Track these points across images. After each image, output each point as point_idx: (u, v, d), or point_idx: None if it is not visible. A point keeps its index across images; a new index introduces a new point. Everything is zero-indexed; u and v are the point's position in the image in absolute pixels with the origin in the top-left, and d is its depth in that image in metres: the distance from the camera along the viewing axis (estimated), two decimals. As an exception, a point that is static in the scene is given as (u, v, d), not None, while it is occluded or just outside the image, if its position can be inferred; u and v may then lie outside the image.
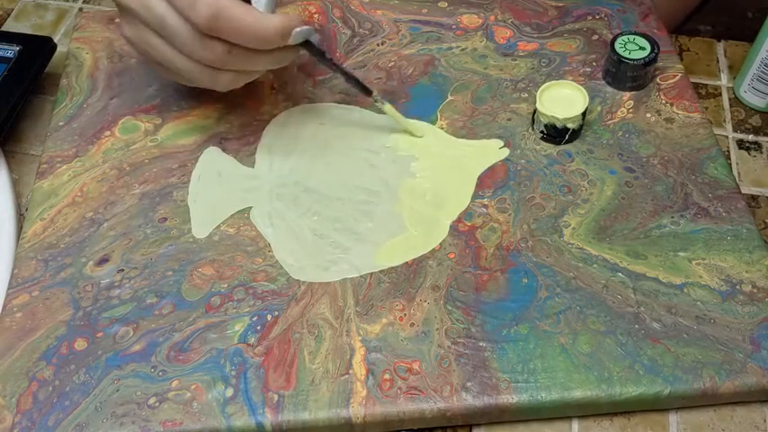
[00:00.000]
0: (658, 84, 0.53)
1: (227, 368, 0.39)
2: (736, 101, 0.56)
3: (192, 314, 0.41)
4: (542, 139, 0.49)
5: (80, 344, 0.40)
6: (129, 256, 0.43)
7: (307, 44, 0.44)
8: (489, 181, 0.47)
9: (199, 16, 0.38)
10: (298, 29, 0.41)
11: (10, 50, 0.51)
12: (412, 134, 0.49)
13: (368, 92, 0.47)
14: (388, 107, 0.47)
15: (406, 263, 0.43)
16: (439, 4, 0.58)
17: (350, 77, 0.46)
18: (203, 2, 0.38)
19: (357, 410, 0.38)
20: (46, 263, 0.43)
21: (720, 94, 0.56)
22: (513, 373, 0.39)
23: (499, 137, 0.49)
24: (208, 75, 0.42)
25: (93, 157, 0.48)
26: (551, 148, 0.49)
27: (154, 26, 0.40)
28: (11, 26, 0.58)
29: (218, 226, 0.45)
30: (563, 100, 0.48)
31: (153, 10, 0.40)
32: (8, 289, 0.42)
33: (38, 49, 0.52)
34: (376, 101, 0.47)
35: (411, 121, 0.49)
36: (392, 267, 0.43)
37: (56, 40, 0.54)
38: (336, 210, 0.45)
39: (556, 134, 0.48)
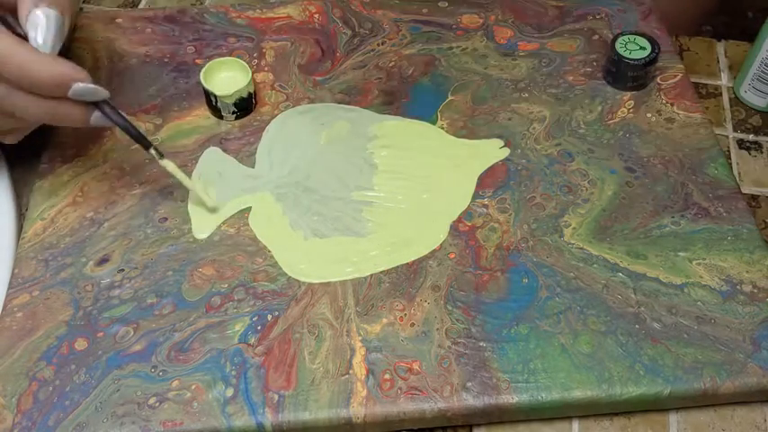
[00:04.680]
0: (659, 84, 0.53)
1: (227, 368, 0.39)
2: (736, 101, 0.56)
3: (193, 314, 0.41)
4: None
5: (80, 344, 0.40)
6: (130, 256, 0.43)
7: (101, 106, 0.40)
8: (489, 181, 0.47)
9: None
10: (81, 84, 0.38)
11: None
12: (204, 203, 0.45)
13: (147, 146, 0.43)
14: (167, 162, 0.43)
15: (407, 263, 0.43)
16: (439, 4, 0.58)
17: (139, 135, 0.42)
18: None
19: (357, 410, 0.38)
20: (46, 263, 0.43)
21: (721, 94, 0.56)
22: (513, 373, 0.39)
23: (499, 137, 0.49)
24: None
25: (93, 157, 0.48)
26: (552, 148, 0.49)
27: None
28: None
29: (219, 226, 0.45)
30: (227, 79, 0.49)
31: None
32: (8, 289, 0.42)
33: None
34: (158, 158, 0.43)
35: (200, 191, 0.45)
36: (392, 267, 0.43)
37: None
38: (336, 210, 0.45)
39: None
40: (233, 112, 0.49)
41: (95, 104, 0.41)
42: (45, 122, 0.41)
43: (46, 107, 0.39)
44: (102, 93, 0.40)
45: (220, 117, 0.50)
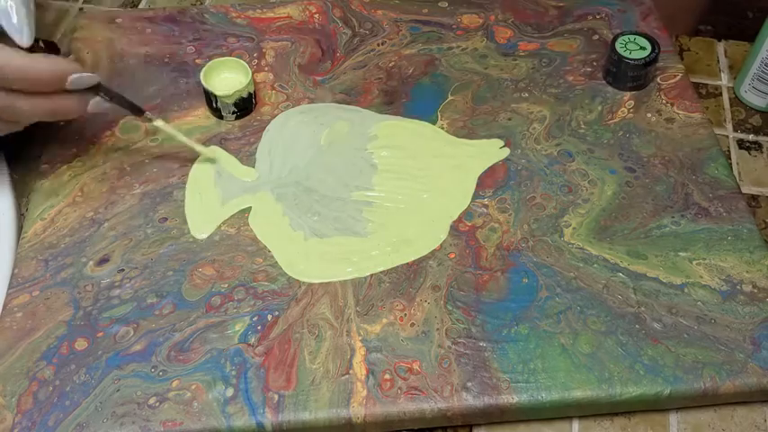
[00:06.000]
0: (659, 83, 0.53)
1: (227, 368, 0.39)
2: (736, 100, 0.56)
3: (193, 314, 0.41)
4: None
5: (80, 344, 0.40)
6: (130, 256, 0.43)
7: (99, 91, 0.43)
8: (490, 181, 0.47)
9: None
10: (76, 74, 0.41)
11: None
12: (198, 151, 0.47)
13: (140, 112, 0.46)
14: (159, 122, 0.46)
15: (407, 263, 0.43)
16: (439, 4, 0.58)
17: (132, 105, 0.45)
18: None
19: (357, 410, 0.38)
20: (46, 263, 0.43)
21: (721, 94, 0.56)
22: (513, 373, 0.39)
23: (499, 137, 0.49)
24: None
25: (93, 157, 0.48)
26: (552, 148, 0.49)
27: None
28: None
29: (219, 226, 0.45)
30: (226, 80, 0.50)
31: None
32: (8, 289, 0.42)
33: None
34: (150, 120, 0.46)
35: (193, 143, 0.47)
36: (392, 267, 0.43)
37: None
38: (336, 210, 0.45)
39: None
40: (233, 113, 0.49)
41: (91, 90, 0.43)
42: (46, 120, 0.42)
43: (46, 105, 0.41)
44: (94, 78, 0.42)
45: (220, 117, 0.50)
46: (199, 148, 0.47)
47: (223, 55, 0.53)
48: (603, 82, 0.53)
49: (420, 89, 0.52)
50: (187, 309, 0.41)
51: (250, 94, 0.49)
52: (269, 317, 0.41)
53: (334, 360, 0.39)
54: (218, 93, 0.48)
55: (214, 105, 0.49)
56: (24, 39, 0.41)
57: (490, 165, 0.48)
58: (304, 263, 0.43)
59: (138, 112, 0.45)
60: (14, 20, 0.41)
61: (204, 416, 0.37)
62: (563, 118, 0.50)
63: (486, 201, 0.46)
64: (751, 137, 0.53)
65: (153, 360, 0.39)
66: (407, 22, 0.56)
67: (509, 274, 0.43)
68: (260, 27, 0.55)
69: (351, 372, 0.39)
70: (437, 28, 0.56)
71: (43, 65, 0.40)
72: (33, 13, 0.42)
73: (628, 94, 0.52)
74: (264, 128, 0.50)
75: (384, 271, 0.43)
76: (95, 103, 0.43)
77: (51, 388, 0.38)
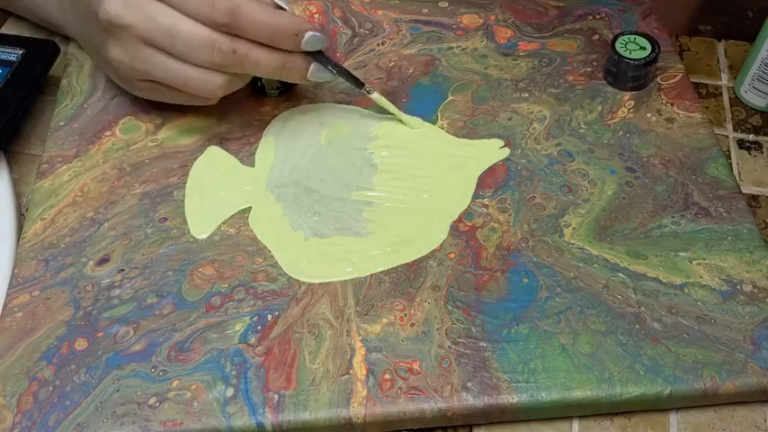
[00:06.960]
0: (659, 83, 0.53)
1: (227, 368, 0.39)
2: (736, 100, 0.56)
3: (193, 314, 0.41)
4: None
5: (80, 344, 0.40)
6: (130, 256, 0.43)
7: (318, 57, 0.45)
8: (490, 181, 0.47)
9: (219, 11, 0.40)
10: (312, 32, 0.43)
11: (13, 54, 0.51)
12: (406, 124, 0.50)
13: (360, 85, 0.48)
14: (377, 96, 0.48)
15: (407, 263, 0.43)
16: (439, 4, 0.58)
17: (351, 77, 0.47)
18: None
19: (357, 410, 0.38)
20: (46, 263, 0.43)
21: (721, 94, 0.56)
22: (513, 373, 0.39)
23: (499, 136, 0.49)
24: (204, 79, 0.43)
25: (93, 157, 0.48)
26: (552, 148, 0.49)
27: (158, 38, 0.41)
28: (11, 26, 0.58)
29: (219, 226, 0.45)
30: None
31: (159, 21, 0.41)
32: (8, 289, 0.42)
33: (41, 53, 0.52)
34: (369, 92, 0.48)
35: (405, 115, 0.50)
36: (393, 267, 0.43)
37: (56, 40, 0.53)
38: (336, 210, 0.45)
39: None
40: (276, 88, 0.51)
41: (312, 56, 0.45)
42: (273, 76, 0.45)
43: (280, 59, 0.43)
44: (325, 40, 0.45)
45: (264, 94, 0.51)
46: (406, 118, 0.49)
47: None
48: (603, 82, 0.53)
49: (420, 89, 0.52)
50: (187, 309, 0.41)
51: None
52: (269, 317, 0.41)
53: (334, 360, 0.39)
54: None
55: (259, 84, 0.51)
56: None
57: (490, 165, 0.48)
58: (304, 263, 0.43)
59: (357, 84, 0.47)
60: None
61: (204, 416, 0.37)
62: (563, 118, 0.50)
63: (486, 201, 0.46)
64: (751, 137, 0.53)
65: (153, 360, 0.39)
66: (407, 22, 0.56)
67: (509, 274, 0.43)
68: (260, 27, 0.55)
69: (351, 372, 0.39)
70: (437, 28, 0.56)
71: (286, 19, 0.42)
72: None
73: (628, 94, 0.52)
74: (264, 128, 0.50)
75: (384, 271, 0.43)
76: (316, 69, 0.45)
77: (51, 388, 0.38)
